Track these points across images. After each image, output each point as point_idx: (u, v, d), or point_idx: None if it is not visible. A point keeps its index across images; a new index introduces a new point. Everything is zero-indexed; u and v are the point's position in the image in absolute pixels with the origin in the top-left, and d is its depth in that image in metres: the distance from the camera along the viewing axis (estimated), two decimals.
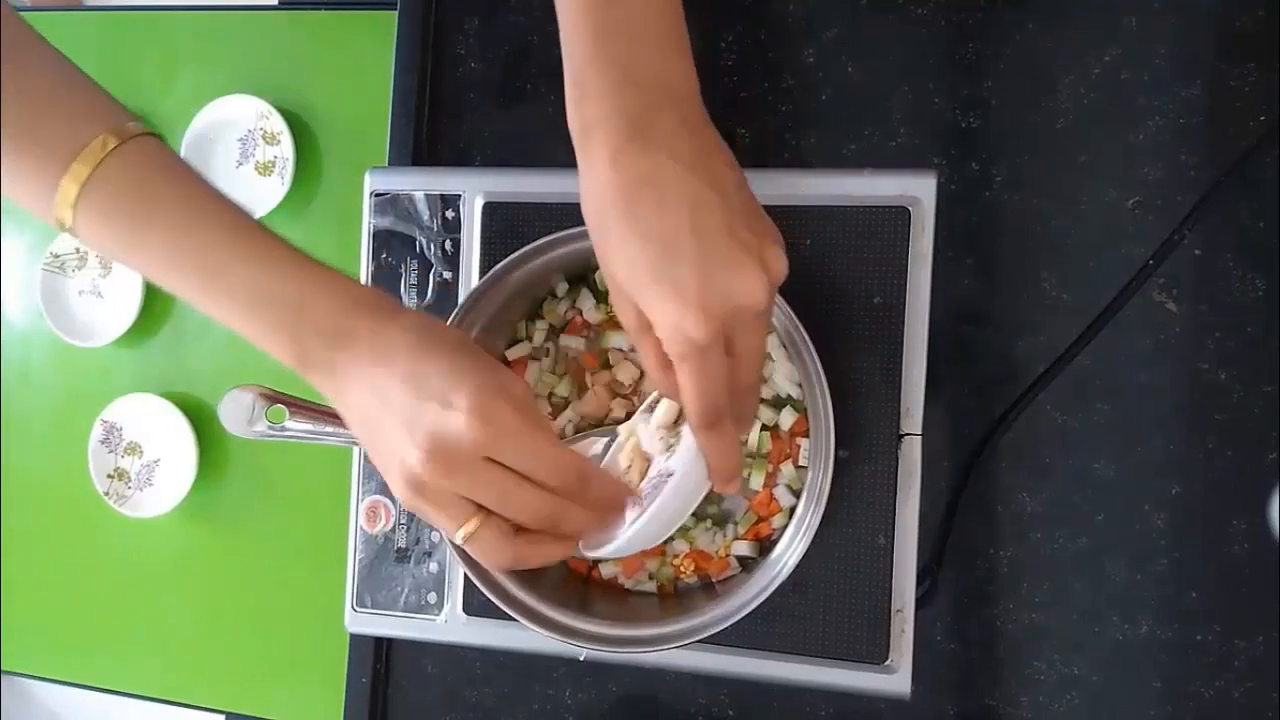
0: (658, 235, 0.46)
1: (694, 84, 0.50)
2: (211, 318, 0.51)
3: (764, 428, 0.65)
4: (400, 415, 0.48)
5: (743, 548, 0.65)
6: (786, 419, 0.64)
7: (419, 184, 0.73)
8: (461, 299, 0.71)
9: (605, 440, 0.65)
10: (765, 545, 0.65)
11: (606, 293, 0.68)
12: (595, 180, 0.48)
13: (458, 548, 0.58)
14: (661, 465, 0.59)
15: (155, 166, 0.50)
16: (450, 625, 0.71)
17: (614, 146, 0.47)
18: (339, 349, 0.49)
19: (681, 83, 0.50)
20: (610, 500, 0.54)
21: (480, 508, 0.49)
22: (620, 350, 0.68)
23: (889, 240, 0.63)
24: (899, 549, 0.62)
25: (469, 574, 0.65)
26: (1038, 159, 0.70)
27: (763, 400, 0.65)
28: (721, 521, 0.66)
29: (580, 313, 0.69)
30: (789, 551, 0.61)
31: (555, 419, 0.69)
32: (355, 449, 0.74)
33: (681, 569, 0.66)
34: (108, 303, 1.01)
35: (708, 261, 0.46)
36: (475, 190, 0.71)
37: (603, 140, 0.47)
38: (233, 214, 0.51)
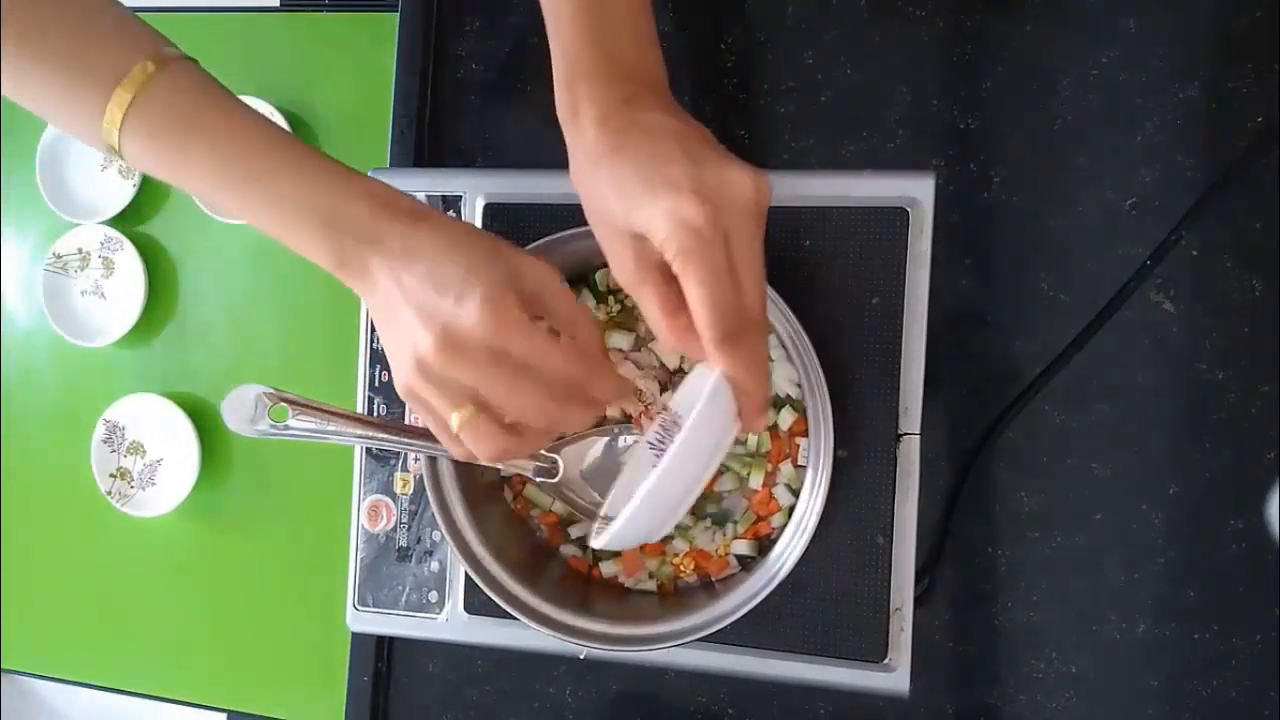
0: (647, 155, 0.50)
1: (666, 78, 0.57)
2: (253, 224, 0.54)
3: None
4: (417, 306, 0.50)
5: (742, 547, 0.65)
6: (786, 419, 0.65)
7: (420, 185, 0.73)
8: None
9: (605, 440, 0.66)
10: (764, 544, 0.65)
11: (606, 293, 0.69)
12: (583, 139, 0.53)
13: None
14: (671, 409, 0.57)
15: (194, 89, 0.53)
16: (451, 624, 0.72)
17: (601, 111, 0.52)
18: (371, 249, 0.51)
19: (660, 75, 0.56)
20: (614, 393, 0.54)
21: (478, 399, 0.51)
22: (620, 350, 0.68)
23: (888, 241, 0.63)
24: (898, 548, 0.63)
25: (470, 572, 0.65)
26: (1036, 160, 0.71)
27: None
28: (721, 521, 0.67)
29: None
30: (788, 550, 0.61)
31: None
32: (356, 447, 0.74)
33: (681, 568, 0.67)
34: (110, 303, 1.01)
35: (697, 165, 0.49)
36: (476, 191, 0.72)
37: (590, 112, 0.53)
38: (269, 128, 0.54)
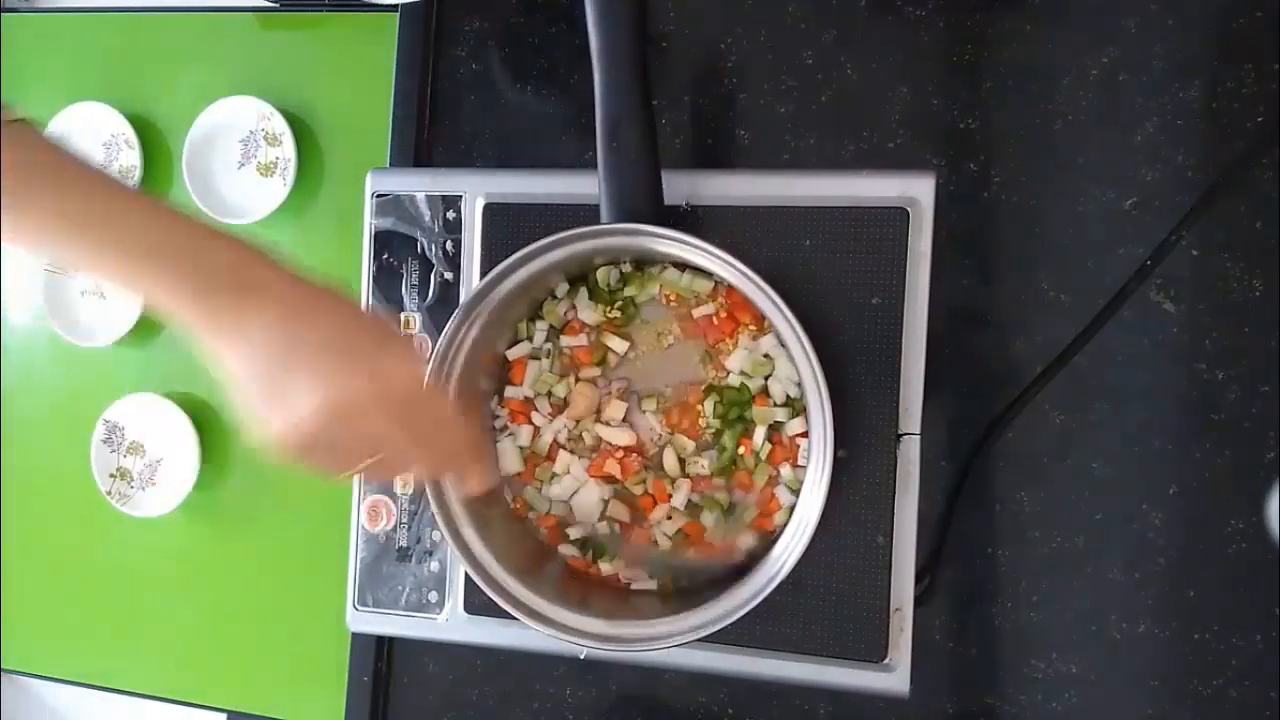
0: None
1: None
2: (107, 278, 0.52)
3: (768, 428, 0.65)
4: (315, 370, 0.50)
5: (749, 539, 0.65)
6: (786, 419, 0.65)
7: (420, 185, 0.73)
8: (463, 299, 0.71)
9: None
10: (769, 540, 0.65)
11: (605, 293, 0.69)
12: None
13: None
14: None
15: (32, 147, 0.51)
16: (451, 624, 0.72)
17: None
18: (250, 301, 0.50)
19: None
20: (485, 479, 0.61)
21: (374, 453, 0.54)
22: (615, 354, 0.68)
23: (888, 241, 0.63)
24: (898, 548, 0.63)
25: (470, 572, 0.65)
26: (1036, 160, 0.71)
27: (764, 401, 0.65)
28: (730, 511, 0.66)
29: (576, 312, 0.69)
30: (788, 550, 0.61)
31: (553, 419, 0.69)
32: None
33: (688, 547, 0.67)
34: (110, 303, 1.01)
35: None
36: (476, 191, 0.72)
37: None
38: (113, 180, 0.52)
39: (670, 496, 0.67)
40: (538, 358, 0.70)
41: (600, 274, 0.68)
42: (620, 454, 0.67)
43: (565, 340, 0.69)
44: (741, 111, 0.76)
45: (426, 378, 0.57)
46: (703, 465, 0.66)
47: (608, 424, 0.68)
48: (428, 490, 0.65)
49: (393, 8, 0.84)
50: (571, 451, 0.69)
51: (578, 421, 0.69)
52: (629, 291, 0.68)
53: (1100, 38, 0.70)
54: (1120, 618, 0.69)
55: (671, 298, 0.68)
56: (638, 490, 0.67)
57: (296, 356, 0.50)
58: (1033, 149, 0.71)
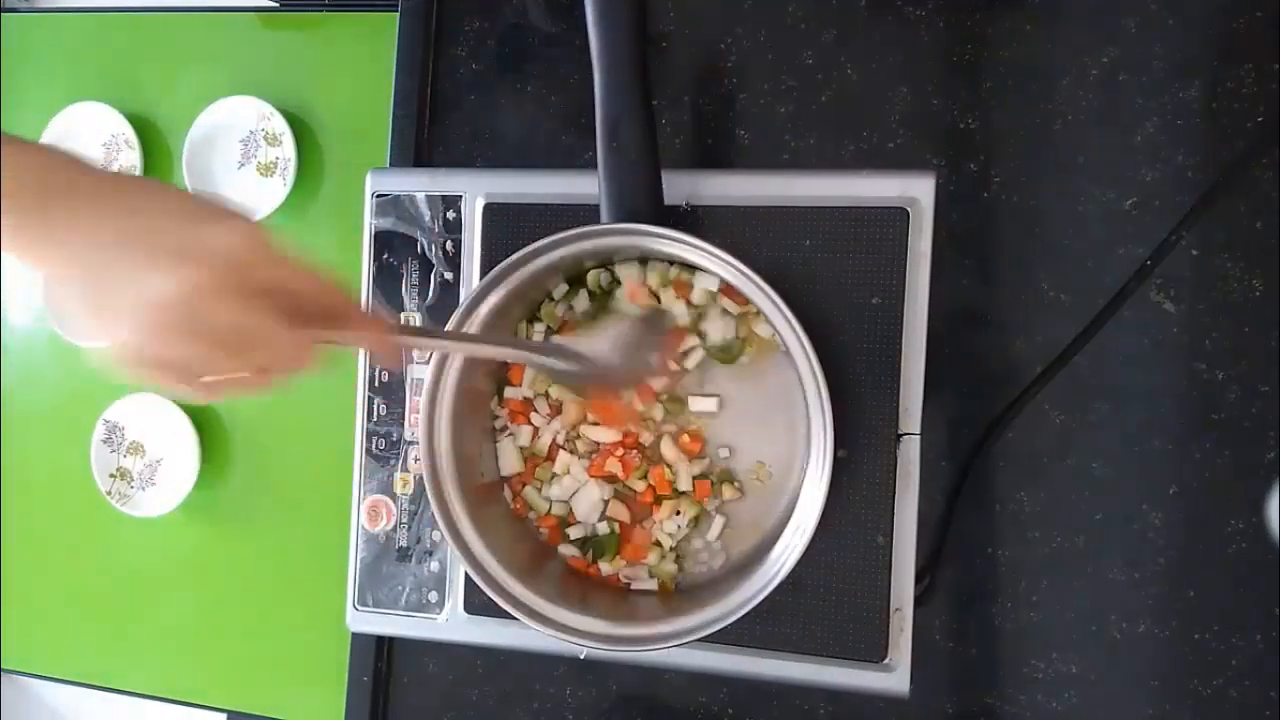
0: None
1: None
2: None
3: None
4: (136, 267, 0.45)
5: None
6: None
7: (420, 185, 0.73)
8: (463, 299, 0.71)
9: None
10: (764, 545, 0.65)
11: (601, 293, 0.68)
12: None
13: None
14: None
15: None
16: (451, 624, 0.72)
17: None
18: (53, 204, 0.45)
19: None
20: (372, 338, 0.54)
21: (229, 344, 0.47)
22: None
23: (888, 241, 0.63)
24: (898, 548, 0.63)
25: (470, 572, 0.65)
26: (1036, 160, 0.71)
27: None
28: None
29: (574, 313, 0.69)
30: (788, 550, 0.61)
31: (551, 420, 0.69)
32: (357, 448, 0.74)
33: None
34: None
35: None
36: (476, 191, 0.72)
37: None
38: None
39: (671, 485, 0.67)
40: None
41: (592, 275, 0.68)
42: (620, 452, 0.68)
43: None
44: (741, 111, 0.76)
45: (265, 244, 0.47)
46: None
47: (595, 424, 0.68)
48: (428, 490, 0.65)
49: (392, 6, 0.84)
50: (571, 452, 0.69)
51: (573, 427, 0.69)
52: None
53: (1100, 38, 0.70)
54: (1120, 618, 0.69)
55: (639, 295, 0.67)
56: (639, 486, 0.67)
57: (114, 257, 0.45)
58: (1033, 149, 0.71)
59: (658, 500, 0.67)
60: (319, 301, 0.49)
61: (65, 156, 0.47)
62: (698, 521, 0.67)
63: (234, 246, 0.46)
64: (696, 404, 0.67)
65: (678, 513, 0.67)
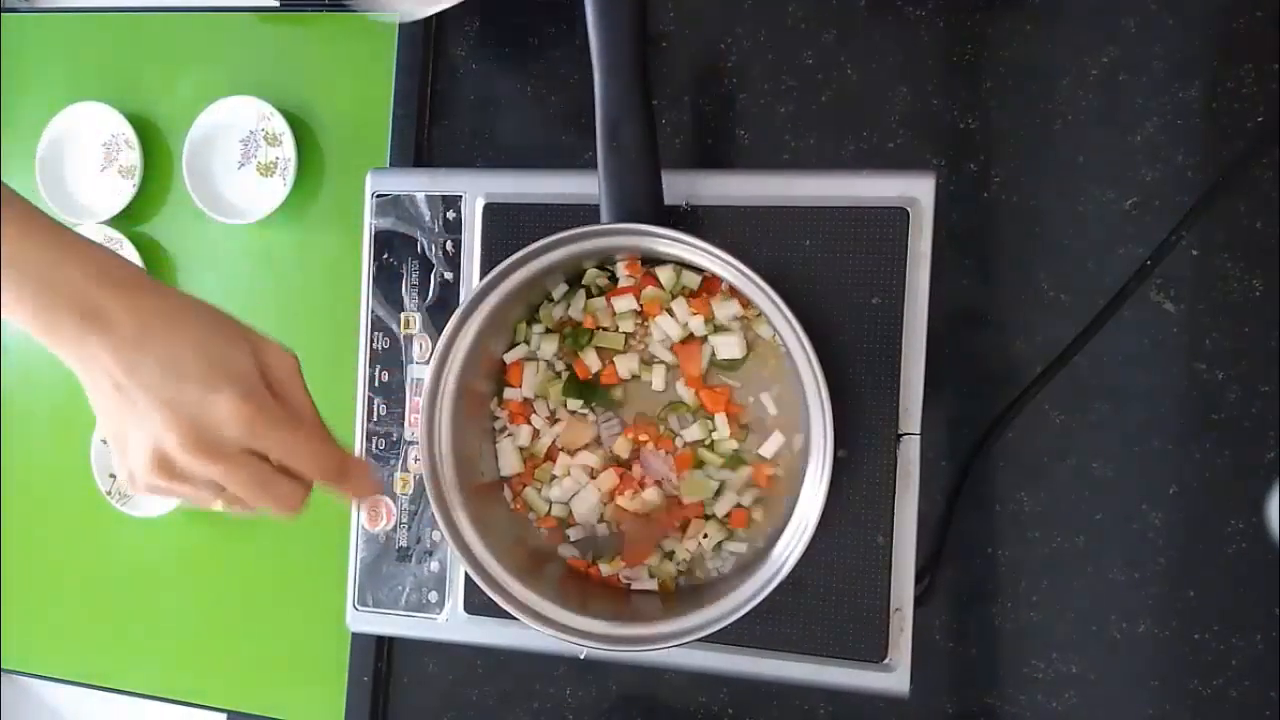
0: None
1: None
2: None
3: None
4: (157, 396, 0.47)
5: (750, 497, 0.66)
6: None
7: (420, 185, 0.73)
8: (463, 299, 0.71)
9: None
10: (769, 541, 0.65)
11: (599, 293, 0.68)
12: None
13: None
14: None
15: None
16: (451, 624, 0.72)
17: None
18: (92, 328, 0.47)
19: None
20: (365, 488, 0.56)
21: (223, 488, 0.50)
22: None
23: (888, 241, 0.63)
24: (898, 548, 0.63)
25: (470, 572, 0.65)
26: (1036, 160, 0.71)
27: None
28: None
29: (570, 315, 0.69)
30: (788, 550, 0.61)
31: (552, 425, 0.69)
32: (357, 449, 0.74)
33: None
34: None
35: None
36: (476, 191, 0.72)
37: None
38: None
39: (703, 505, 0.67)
40: (535, 360, 0.70)
41: (589, 275, 0.68)
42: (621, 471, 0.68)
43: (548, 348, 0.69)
44: (741, 111, 0.76)
45: (289, 376, 0.51)
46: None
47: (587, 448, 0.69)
48: (427, 490, 0.65)
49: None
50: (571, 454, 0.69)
51: (565, 445, 0.69)
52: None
53: (1100, 38, 0.70)
54: (1120, 618, 0.69)
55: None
56: (634, 505, 0.68)
57: (135, 388, 0.47)
58: (1033, 149, 0.71)
59: (683, 523, 0.67)
60: (316, 463, 0.52)
61: (107, 269, 0.49)
62: (719, 547, 0.67)
63: (239, 415, 0.48)
64: (768, 448, 0.65)
65: (705, 536, 0.66)
